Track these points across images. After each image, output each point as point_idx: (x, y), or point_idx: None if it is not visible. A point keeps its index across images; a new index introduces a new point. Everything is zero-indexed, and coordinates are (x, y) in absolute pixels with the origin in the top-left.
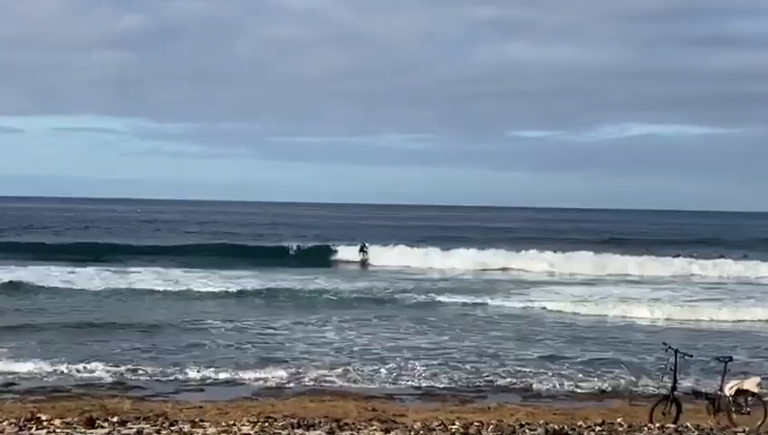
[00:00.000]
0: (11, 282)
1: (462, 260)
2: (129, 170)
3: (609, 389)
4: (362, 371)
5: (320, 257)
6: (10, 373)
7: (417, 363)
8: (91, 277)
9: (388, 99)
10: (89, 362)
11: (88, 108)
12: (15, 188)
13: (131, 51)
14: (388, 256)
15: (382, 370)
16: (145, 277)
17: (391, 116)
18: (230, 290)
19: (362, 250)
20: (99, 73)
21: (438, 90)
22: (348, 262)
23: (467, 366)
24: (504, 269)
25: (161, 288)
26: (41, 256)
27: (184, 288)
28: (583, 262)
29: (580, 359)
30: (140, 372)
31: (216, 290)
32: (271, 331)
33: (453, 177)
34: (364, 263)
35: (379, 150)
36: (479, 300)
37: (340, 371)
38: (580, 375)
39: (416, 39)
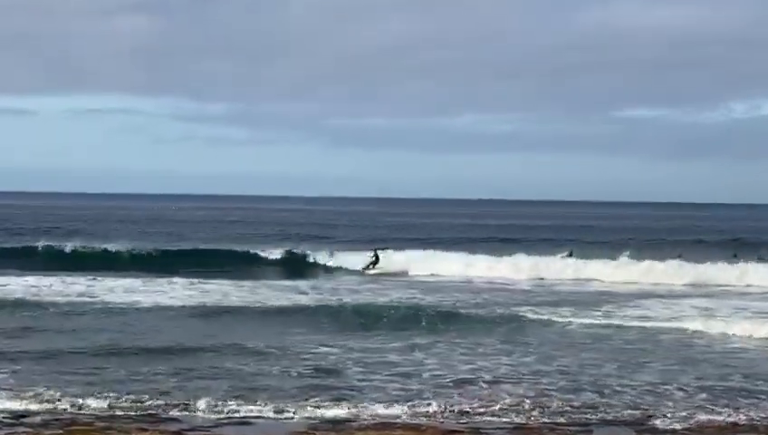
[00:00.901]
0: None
1: (517, 269)
2: (161, 160)
3: (744, 422)
4: (437, 400)
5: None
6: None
7: (502, 391)
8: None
9: (469, 72)
10: (111, 391)
11: (112, 85)
12: (26, 181)
13: (163, 16)
14: (421, 265)
15: (461, 399)
16: (172, 291)
17: (473, 93)
18: (272, 304)
19: (375, 257)
20: (124, 44)
21: (530, 61)
22: (392, 274)
23: (565, 395)
24: (587, 280)
25: (197, 302)
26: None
27: (225, 302)
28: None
29: (698, 385)
30: (172, 401)
31: (255, 305)
32: (321, 351)
33: (546, 165)
34: (369, 268)
35: (459, 134)
36: (561, 318)
37: (411, 401)
38: (705, 406)
39: (504, 1)
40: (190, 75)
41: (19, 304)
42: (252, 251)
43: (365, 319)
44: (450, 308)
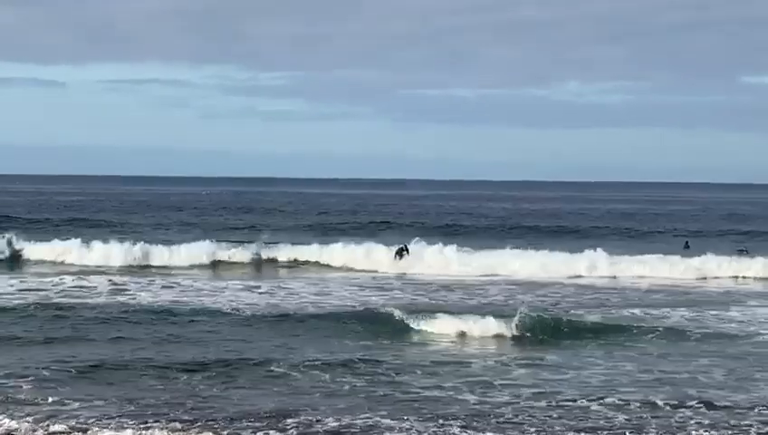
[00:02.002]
0: None
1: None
2: (211, 138)
3: None
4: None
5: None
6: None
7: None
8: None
9: (570, 33)
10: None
11: (151, 52)
12: (54, 162)
13: None
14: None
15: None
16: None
17: (575, 57)
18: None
19: (400, 253)
20: (166, 3)
21: (643, 19)
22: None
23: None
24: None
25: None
26: None
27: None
28: None
29: None
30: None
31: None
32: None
33: (659, 140)
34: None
35: (558, 106)
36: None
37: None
38: None
39: None
40: (243, 40)
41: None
42: None
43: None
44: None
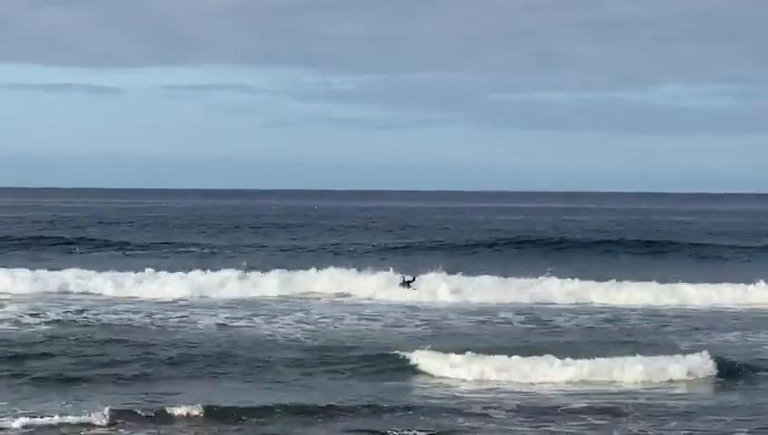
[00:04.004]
0: None
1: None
2: (279, 147)
3: None
4: None
5: None
6: None
7: None
8: None
9: (671, 30)
10: None
11: (215, 55)
12: (112, 175)
13: None
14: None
15: None
16: None
17: (676, 56)
18: None
19: (407, 283)
20: (231, 2)
21: (749, 16)
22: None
23: None
24: None
25: None
26: None
27: None
28: None
29: None
30: None
31: None
32: None
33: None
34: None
35: (656, 110)
36: None
37: None
38: None
39: None
40: (314, 41)
41: None
42: None
43: None
44: None
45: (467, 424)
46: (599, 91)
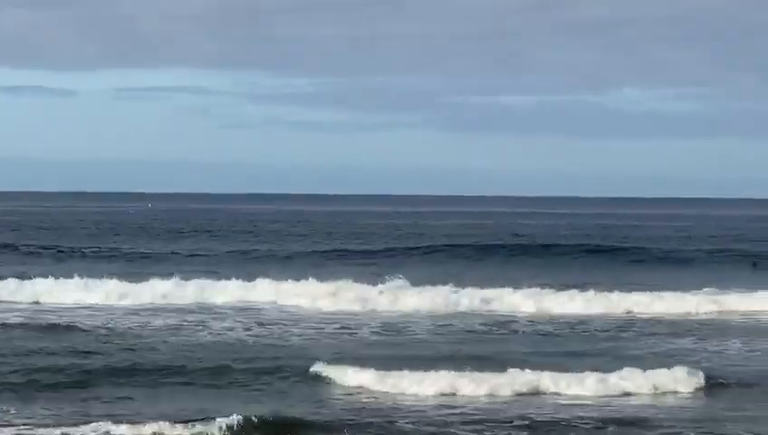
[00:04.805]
0: None
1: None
2: (236, 150)
3: None
4: None
5: None
6: None
7: None
8: None
9: (632, 34)
10: None
11: (173, 57)
12: (66, 179)
13: None
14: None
15: None
16: None
17: (638, 60)
18: None
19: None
20: (187, 4)
21: (715, 19)
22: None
23: None
24: None
25: None
26: None
27: None
28: None
29: None
30: None
31: None
32: None
33: (731, 151)
34: None
35: (616, 114)
36: None
37: None
38: None
39: None
40: (273, 44)
41: None
42: None
43: None
44: None
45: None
46: (559, 95)
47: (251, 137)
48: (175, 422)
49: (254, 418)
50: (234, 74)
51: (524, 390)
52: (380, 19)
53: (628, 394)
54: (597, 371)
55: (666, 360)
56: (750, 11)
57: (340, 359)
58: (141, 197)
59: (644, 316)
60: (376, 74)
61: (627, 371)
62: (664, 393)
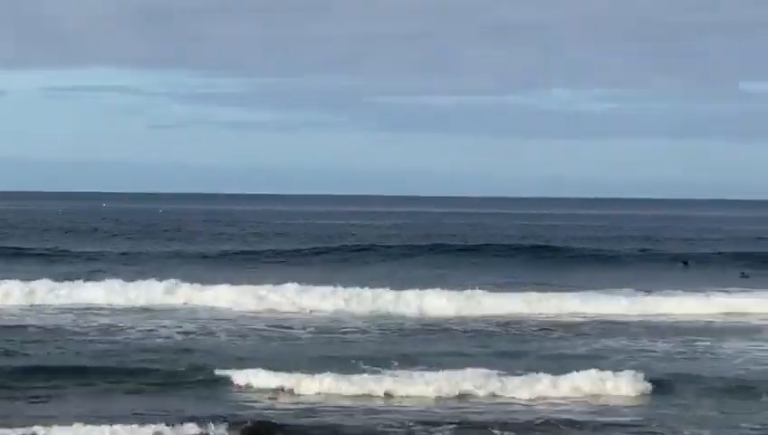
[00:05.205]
0: None
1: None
2: (163, 150)
3: None
4: None
5: None
6: None
7: None
8: None
9: (559, 34)
10: None
11: (100, 57)
12: None
13: None
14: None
15: None
16: None
17: (567, 61)
18: None
19: None
20: (114, 3)
21: (639, 22)
22: None
23: None
24: None
25: None
26: None
27: None
28: None
29: None
30: None
31: None
32: None
33: (654, 153)
34: None
35: (547, 115)
36: None
37: None
38: None
39: None
40: (201, 43)
41: None
42: None
43: None
44: None
45: None
46: (484, 95)
47: (178, 137)
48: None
49: None
50: (161, 74)
51: (450, 392)
52: (307, 19)
53: (560, 397)
54: (529, 372)
55: (597, 361)
56: (673, 13)
57: (244, 361)
58: (68, 196)
59: (574, 317)
60: (302, 74)
61: (558, 373)
62: (598, 396)
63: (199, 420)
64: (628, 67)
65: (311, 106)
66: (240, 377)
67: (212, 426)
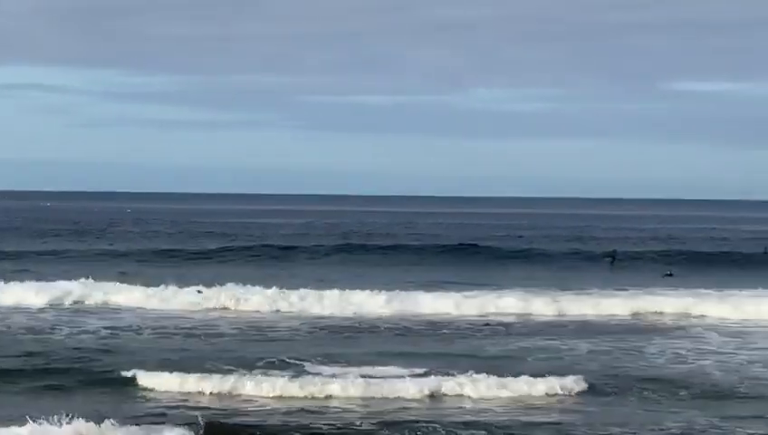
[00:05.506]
0: None
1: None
2: (94, 148)
3: None
4: None
5: None
6: None
7: None
8: None
9: (486, 35)
10: None
11: (29, 55)
12: None
13: None
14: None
15: None
16: None
17: (491, 61)
18: None
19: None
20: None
21: (562, 22)
22: None
23: None
24: None
25: None
26: None
27: None
28: None
29: None
30: None
31: None
32: None
33: (577, 153)
34: None
35: (471, 113)
36: None
37: None
38: None
39: None
40: (133, 42)
41: None
42: None
43: None
44: None
45: None
46: (414, 94)
47: (107, 135)
48: None
49: None
50: (90, 73)
51: (376, 393)
52: (237, 19)
53: (486, 397)
54: (456, 372)
55: (523, 361)
56: (599, 13)
57: (159, 362)
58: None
59: (500, 316)
60: (233, 73)
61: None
62: (524, 396)
63: (120, 420)
64: (554, 67)
65: (241, 105)
66: (147, 378)
67: (110, 425)
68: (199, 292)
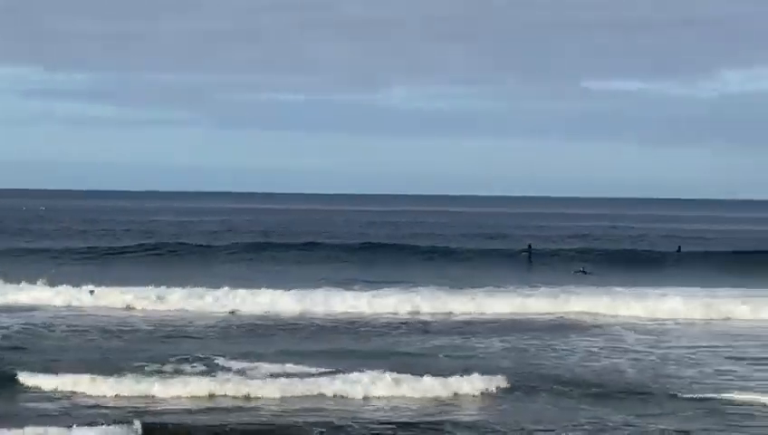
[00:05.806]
0: None
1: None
2: (3, 146)
3: None
4: None
5: None
6: None
7: None
8: None
9: (400, 32)
10: None
11: None
12: None
13: None
14: None
15: None
16: None
17: (405, 58)
18: None
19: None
20: None
21: (482, 20)
22: None
23: None
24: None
25: None
26: None
27: None
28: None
29: None
30: None
31: None
32: None
33: (497, 151)
34: None
35: (385, 112)
36: None
37: None
38: None
39: None
40: (42, 37)
41: None
42: None
43: None
44: None
45: None
46: (329, 93)
47: (21, 133)
48: None
49: None
50: (2, 70)
51: (294, 392)
52: (150, 16)
53: (399, 396)
54: (370, 370)
55: (437, 359)
56: (519, 12)
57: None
58: None
59: (414, 315)
60: (145, 71)
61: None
62: (439, 395)
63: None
64: (470, 65)
65: (152, 102)
66: (33, 379)
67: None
68: (91, 292)
